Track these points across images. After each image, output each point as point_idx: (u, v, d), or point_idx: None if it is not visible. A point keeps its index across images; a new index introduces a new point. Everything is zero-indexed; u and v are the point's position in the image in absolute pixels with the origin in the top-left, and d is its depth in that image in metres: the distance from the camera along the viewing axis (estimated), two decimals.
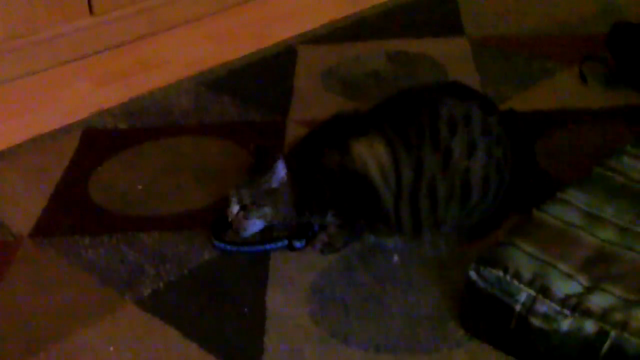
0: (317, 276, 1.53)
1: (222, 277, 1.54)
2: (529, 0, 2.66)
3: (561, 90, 2.11)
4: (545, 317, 1.27)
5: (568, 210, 1.45)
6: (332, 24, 2.56)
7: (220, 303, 1.48)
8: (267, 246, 1.59)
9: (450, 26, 2.50)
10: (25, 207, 1.76)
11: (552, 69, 2.21)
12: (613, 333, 1.22)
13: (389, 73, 2.27)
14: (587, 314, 1.25)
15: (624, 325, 1.22)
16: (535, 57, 2.27)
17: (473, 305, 1.37)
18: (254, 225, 1.54)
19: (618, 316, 1.24)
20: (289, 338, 1.39)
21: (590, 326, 1.24)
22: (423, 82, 2.11)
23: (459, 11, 2.59)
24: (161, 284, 1.52)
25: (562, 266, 1.32)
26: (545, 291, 1.29)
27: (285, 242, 1.59)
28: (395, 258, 1.57)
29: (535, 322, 1.28)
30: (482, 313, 1.36)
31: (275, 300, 1.48)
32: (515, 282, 1.31)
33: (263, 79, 2.26)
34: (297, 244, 1.59)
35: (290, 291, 1.50)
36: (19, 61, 2.29)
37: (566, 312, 1.26)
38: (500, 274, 1.32)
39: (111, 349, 1.38)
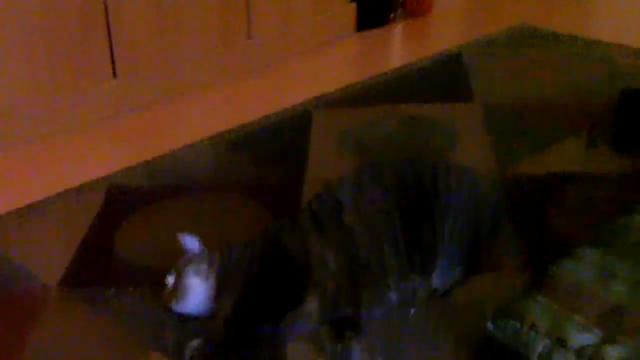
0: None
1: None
2: (538, 66, 2.74)
3: (571, 154, 2.18)
4: None
5: (582, 266, 1.50)
6: (346, 88, 2.64)
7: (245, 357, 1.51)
8: None
9: (461, 91, 2.59)
10: (52, 258, 1.81)
11: (562, 133, 2.28)
12: None
13: (402, 136, 2.34)
14: None
15: None
16: (545, 122, 2.35)
17: (490, 357, 1.41)
18: None
19: None
20: None
21: None
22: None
23: (469, 76, 2.68)
24: (185, 337, 1.56)
25: (578, 318, 1.37)
26: (561, 342, 1.33)
27: None
28: (412, 311, 1.61)
29: None
30: None
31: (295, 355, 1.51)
32: (532, 334, 1.35)
33: (280, 141, 2.34)
34: None
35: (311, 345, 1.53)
36: (44, 122, 2.37)
37: None
38: (518, 325, 1.37)
39: None
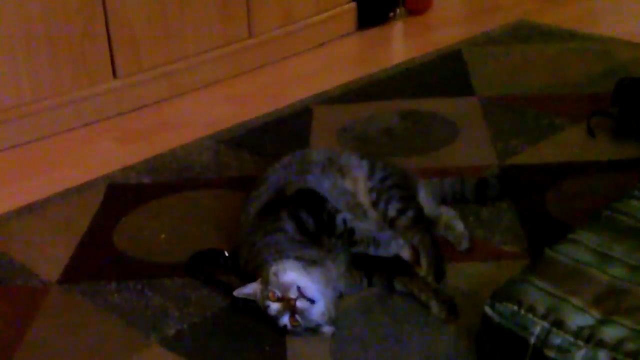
0: (336, 316, 1.57)
1: (244, 319, 1.58)
2: (536, 61, 2.75)
3: (570, 144, 2.18)
4: (560, 348, 1.31)
5: (579, 249, 1.49)
6: (346, 85, 2.65)
7: (243, 343, 1.52)
8: None
9: (461, 86, 2.59)
10: (53, 256, 1.82)
11: (561, 124, 2.28)
12: None
13: (402, 130, 2.34)
14: (601, 344, 1.29)
15: (636, 355, 1.26)
16: (544, 114, 2.35)
17: (489, 340, 1.41)
18: None
19: (630, 346, 1.27)
20: None
21: (603, 356, 1.28)
22: None
23: (469, 72, 2.68)
24: (185, 326, 1.57)
25: (575, 301, 1.37)
26: (559, 324, 1.33)
27: None
28: None
29: (550, 354, 1.31)
30: (498, 348, 1.40)
31: (295, 339, 1.52)
32: (530, 316, 1.35)
33: (281, 137, 2.34)
34: None
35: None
36: (45, 122, 2.38)
37: (580, 343, 1.30)
38: (515, 308, 1.36)
39: None
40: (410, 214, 1.70)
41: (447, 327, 1.53)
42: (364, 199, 1.74)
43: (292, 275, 1.49)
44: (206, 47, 2.69)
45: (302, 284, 1.48)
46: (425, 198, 1.80)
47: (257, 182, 1.79)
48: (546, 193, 1.94)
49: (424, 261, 1.63)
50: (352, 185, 1.75)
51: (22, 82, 2.33)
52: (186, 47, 2.64)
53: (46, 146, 2.35)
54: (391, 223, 1.70)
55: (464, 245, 1.75)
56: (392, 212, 1.71)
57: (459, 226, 1.78)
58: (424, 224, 1.71)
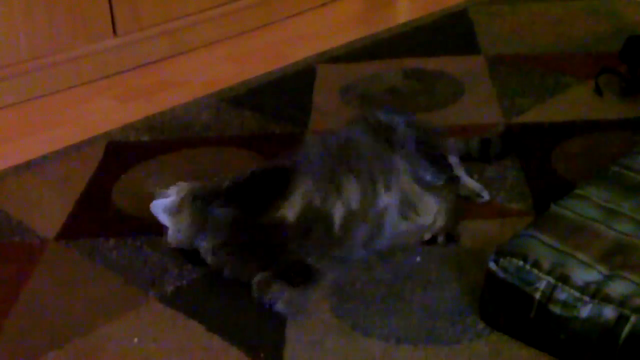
0: (338, 274, 1.54)
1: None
2: (543, 20, 2.70)
3: (577, 103, 2.14)
4: (565, 304, 1.28)
5: (586, 205, 1.47)
6: (349, 44, 2.60)
7: (242, 299, 1.49)
8: None
9: (467, 45, 2.54)
10: (51, 213, 1.79)
11: (568, 83, 2.24)
12: (633, 318, 1.24)
13: (406, 88, 2.30)
14: (607, 300, 1.26)
15: None
16: (550, 72, 2.31)
17: (493, 296, 1.39)
18: None
19: (637, 302, 1.25)
20: (310, 330, 1.41)
21: (610, 312, 1.25)
22: None
23: (475, 31, 2.64)
24: (184, 282, 1.55)
25: (581, 256, 1.34)
26: (564, 279, 1.30)
27: None
28: (418, 258, 1.59)
29: (555, 309, 1.29)
30: (502, 304, 1.37)
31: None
32: (535, 271, 1.32)
33: (283, 95, 2.30)
34: None
35: (311, 287, 1.51)
36: (43, 79, 2.34)
37: (586, 298, 1.27)
38: (520, 263, 1.34)
39: (135, 340, 1.41)
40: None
41: (449, 285, 1.50)
42: None
43: None
44: (208, 5, 2.63)
45: None
46: None
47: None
48: (552, 151, 1.91)
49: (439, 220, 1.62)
50: None
51: (20, 39, 2.28)
52: (187, 5, 2.59)
53: (45, 104, 2.31)
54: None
55: (486, 196, 1.74)
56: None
57: (471, 182, 1.76)
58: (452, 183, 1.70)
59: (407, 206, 1.61)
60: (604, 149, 1.90)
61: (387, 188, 1.57)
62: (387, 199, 1.57)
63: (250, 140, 2.06)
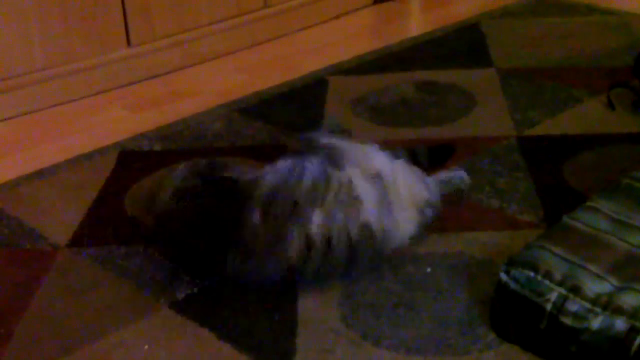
0: (348, 283, 1.55)
1: (255, 285, 1.56)
2: (555, 34, 2.70)
3: (589, 116, 2.14)
4: (576, 315, 1.28)
5: (597, 217, 1.46)
6: (361, 56, 2.61)
7: (253, 308, 1.50)
8: None
9: (478, 58, 2.55)
10: (62, 220, 1.80)
11: (580, 96, 2.24)
12: None
13: (418, 101, 2.31)
14: (618, 311, 1.26)
15: None
16: (562, 86, 2.31)
17: (503, 307, 1.39)
18: None
19: None
20: (320, 339, 1.41)
21: (621, 324, 1.25)
22: None
23: (487, 44, 2.64)
24: (195, 289, 1.55)
25: (592, 267, 1.34)
26: (576, 290, 1.30)
27: None
28: (429, 269, 1.59)
29: (566, 320, 1.29)
30: (513, 315, 1.37)
31: (306, 305, 1.50)
32: (546, 282, 1.32)
33: (294, 107, 2.31)
34: None
35: (321, 297, 1.52)
36: (57, 89, 2.36)
37: (597, 310, 1.27)
38: (531, 274, 1.34)
39: (145, 347, 1.41)
40: None
41: (460, 295, 1.50)
42: None
43: None
44: (220, 17, 2.66)
45: None
46: None
47: None
48: (564, 164, 1.91)
49: None
50: None
51: (35, 49, 2.31)
52: (200, 17, 2.61)
53: (58, 113, 2.33)
54: None
55: (467, 181, 1.79)
56: None
57: (445, 173, 1.82)
58: None
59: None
60: (616, 162, 1.90)
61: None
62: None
63: (261, 151, 2.06)
